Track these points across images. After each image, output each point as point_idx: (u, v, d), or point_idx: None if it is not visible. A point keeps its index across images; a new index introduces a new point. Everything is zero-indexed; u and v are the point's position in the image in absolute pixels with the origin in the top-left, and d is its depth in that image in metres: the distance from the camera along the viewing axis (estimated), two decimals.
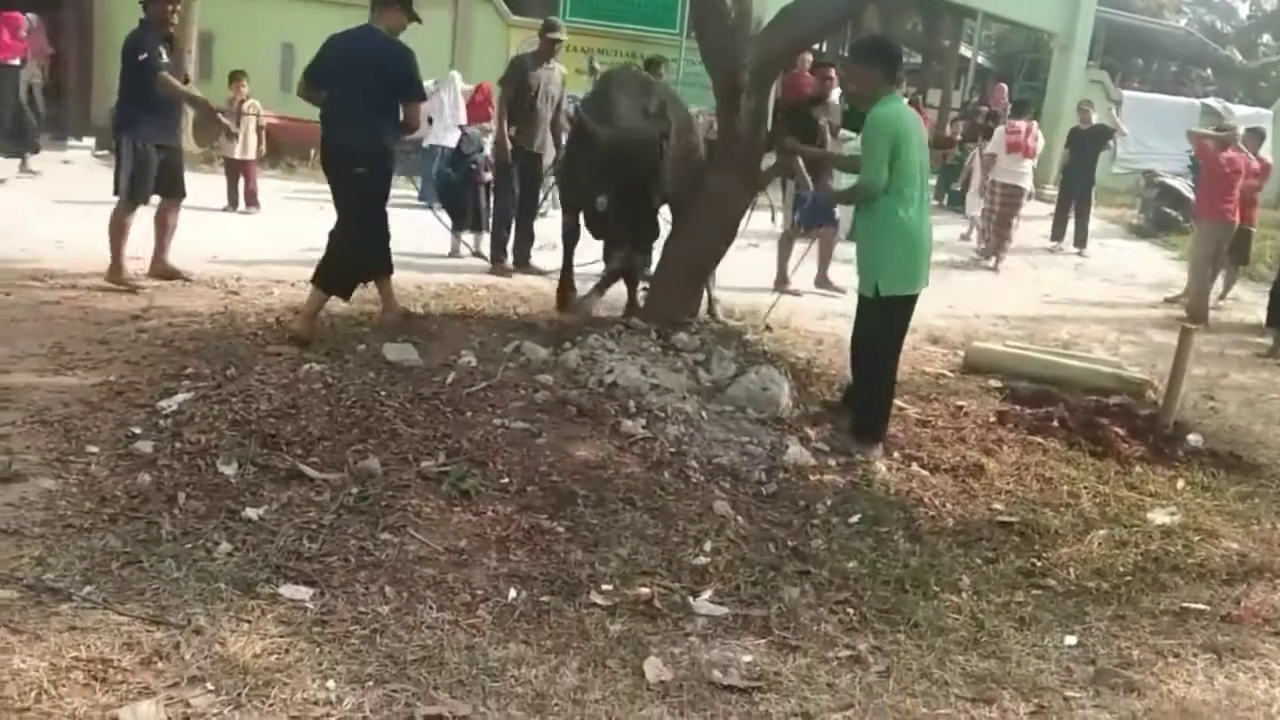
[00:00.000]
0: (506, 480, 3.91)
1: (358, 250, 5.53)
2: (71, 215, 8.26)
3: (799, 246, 8.52)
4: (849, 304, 7.24)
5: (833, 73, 8.97)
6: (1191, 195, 12.29)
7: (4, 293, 5.98)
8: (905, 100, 5.14)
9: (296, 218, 9.21)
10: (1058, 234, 12.66)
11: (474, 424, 4.24)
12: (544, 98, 7.93)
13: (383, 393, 4.40)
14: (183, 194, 6.83)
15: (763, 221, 8.12)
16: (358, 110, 5.36)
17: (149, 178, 6.48)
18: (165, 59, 6.32)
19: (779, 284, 8.35)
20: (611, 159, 5.26)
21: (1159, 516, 4.42)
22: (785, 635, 3.22)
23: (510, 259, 8.15)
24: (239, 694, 2.58)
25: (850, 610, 3.43)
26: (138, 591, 2.99)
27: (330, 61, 5.39)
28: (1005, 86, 18.15)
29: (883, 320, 4.81)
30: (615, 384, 4.65)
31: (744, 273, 7.91)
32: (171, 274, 6.71)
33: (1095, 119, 12.74)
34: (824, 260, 8.80)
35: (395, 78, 5.37)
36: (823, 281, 8.74)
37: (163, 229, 6.78)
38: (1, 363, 4.73)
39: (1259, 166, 9.91)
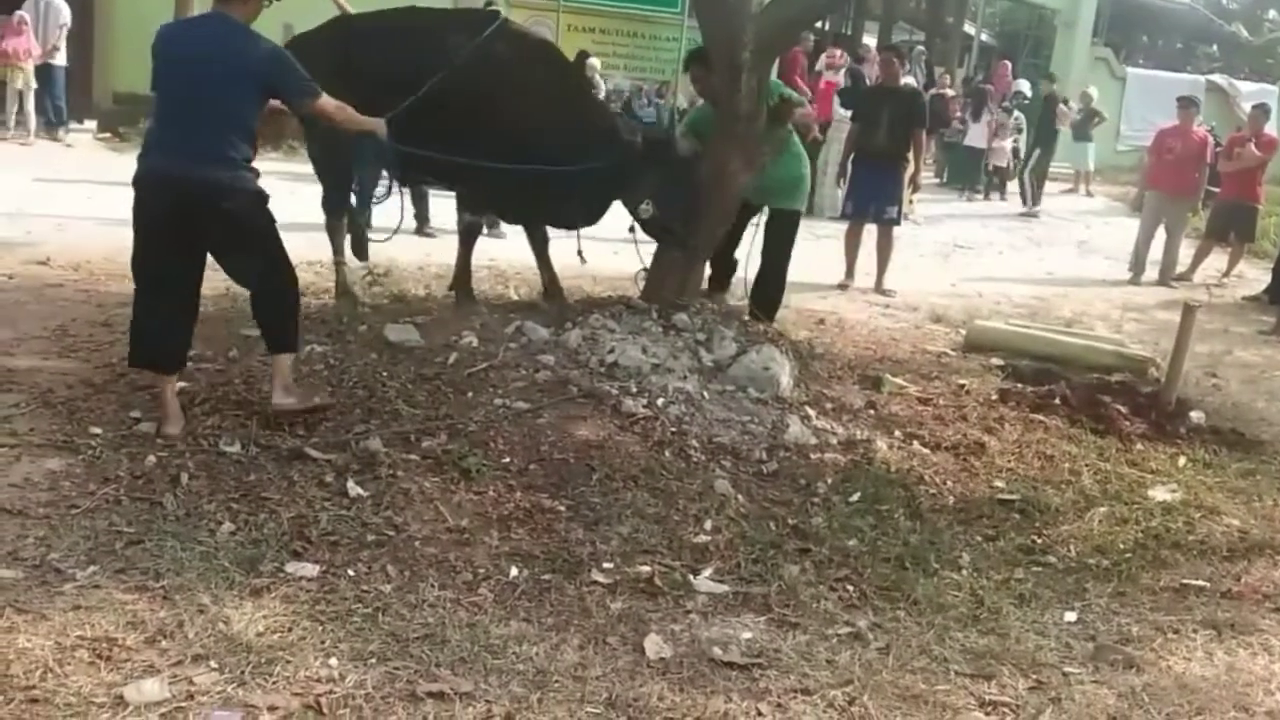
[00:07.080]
0: (508, 460, 3.92)
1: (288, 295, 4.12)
2: (74, 198, 8.26)
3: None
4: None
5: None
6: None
7: (7, 275, 5.99)
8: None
9: (299, 200, 9.17)
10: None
11: (475, 404, 4.25)
12: None
13: (384, 373, 4.41)
14: None
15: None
16: (199, 126, 3.80)
17: None
18: None
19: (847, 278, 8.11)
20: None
21: (1160, 493, 4.42)
22: (785, 612, 3.24)
23: None
24: (242, 671, 2.61)
25: (850, 587, 3.44)
26: (142, 571, 3.01)
27: (161, 61, 3.86)
28: (1009, 64, 18.02)
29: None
30: (616, 364, 4.65)
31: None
32: None
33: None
34: (882, 263, 8.15)
35: (261, 80, 3.86)
36: (879, 286, 8.09)
37: None
38: (5, 345, 4.74)
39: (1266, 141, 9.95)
